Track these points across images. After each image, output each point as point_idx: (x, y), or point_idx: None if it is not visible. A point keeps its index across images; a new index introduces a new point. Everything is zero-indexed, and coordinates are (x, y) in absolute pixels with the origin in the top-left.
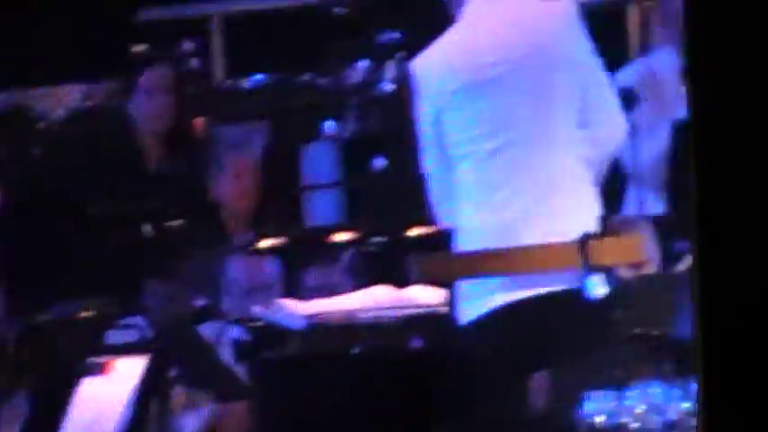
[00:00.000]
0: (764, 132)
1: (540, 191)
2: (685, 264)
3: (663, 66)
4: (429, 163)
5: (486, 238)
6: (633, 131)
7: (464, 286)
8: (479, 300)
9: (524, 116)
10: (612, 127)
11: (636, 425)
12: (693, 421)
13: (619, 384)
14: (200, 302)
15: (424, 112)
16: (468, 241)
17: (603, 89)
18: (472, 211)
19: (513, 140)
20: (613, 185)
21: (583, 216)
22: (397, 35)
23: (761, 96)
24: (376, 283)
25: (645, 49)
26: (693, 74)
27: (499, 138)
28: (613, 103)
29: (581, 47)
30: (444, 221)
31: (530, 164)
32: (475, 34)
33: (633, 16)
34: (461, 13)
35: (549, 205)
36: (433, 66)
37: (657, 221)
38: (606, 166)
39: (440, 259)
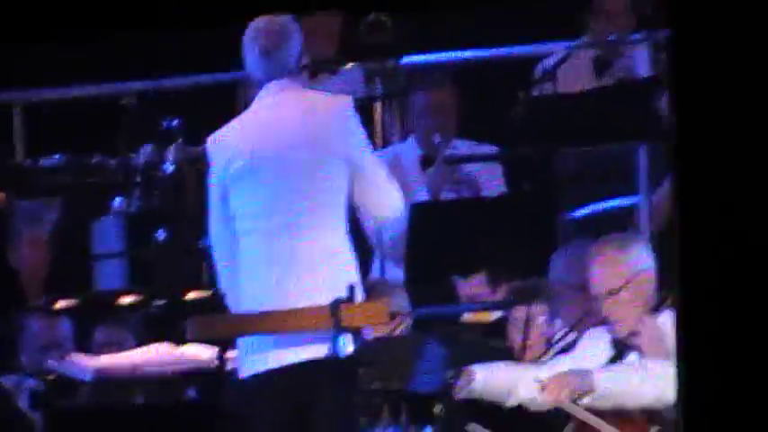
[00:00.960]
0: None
1: (308, 265)
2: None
3: (405, 153)
4: (214, 233)
5: (261, 304)
6: None
7: (243, 344)
8: (255, 356)
9: (297, 199)
10: (388, 205)
11: None
12: None
13: None
14: None
15: (213, 186)
16: (246, 306)
17: (377, 177)
18: (250, 279)
19: (286, 220)
20: (363, 256)
21: (341, 286)
22: (177, 122)
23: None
24: (157, 340)
25: (388, 139)
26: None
27: (274, 217)
28: (386, 185)
29: (355, 142)
30: (224, 287)
31: (300, 241)
32: (262, 120)
33: (379, 110)
34: (255, 98)
35: (314, 277)
36: (223, 144)
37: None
38: (393, 237)
39: (212, 320)
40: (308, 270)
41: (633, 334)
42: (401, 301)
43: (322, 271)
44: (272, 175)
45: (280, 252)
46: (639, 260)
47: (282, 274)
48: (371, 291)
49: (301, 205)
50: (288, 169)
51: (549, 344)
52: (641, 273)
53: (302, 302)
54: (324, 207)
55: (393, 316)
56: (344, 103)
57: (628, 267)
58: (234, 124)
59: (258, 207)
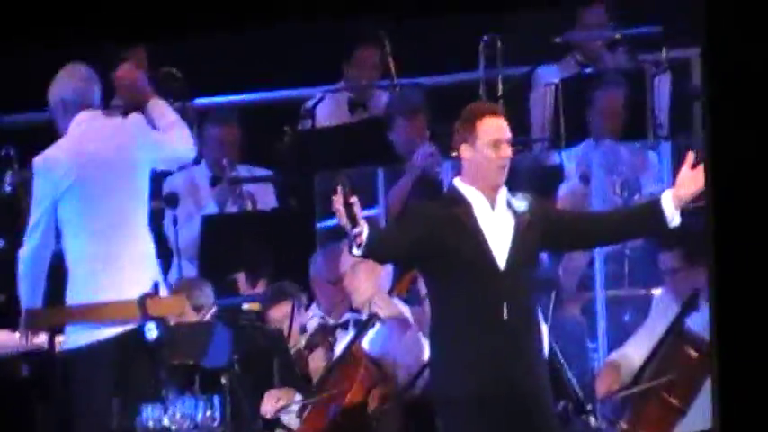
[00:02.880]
0: None
1: (125, 262)
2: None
3: (198, 175)
4: (32, 239)
5: (89, 294)
6: (175, 221)
7: (69, 326)
8: (77, 335)
9: (114, 206)
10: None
11: (174, 427)
12: (215, 423)
13: (164, 399)
14: None
15: (41, 199)
16: (77, 297)
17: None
18: (80, 275)
19: (106, 224)
20: (165, 257)
21: (151, 279)
22: (12, 151)
23: None
24: None
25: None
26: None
27: (98, 222)
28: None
29: (146, 129)
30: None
31: (119, 242)
32: (83, 142)
33: None
34: (70, 127)
35: (131, 272)
36: (51, 164)
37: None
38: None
39: (43, 312)
40: (125, 268)
41: (369, 301)
42: (207, 295)
43: (140, 267)
44: (96, 188)
45: (105, 252)
46: None
47: (105, 271)
48: (184, 286)
49: (118, 211)
50: (107, 181)
51: (304, 329)
52: None
53: (120, 294)
54: (135, 212)
55: (199, 308)
56: (136, 116)
57: None
58: (59, 146)
59: (86, 214)
